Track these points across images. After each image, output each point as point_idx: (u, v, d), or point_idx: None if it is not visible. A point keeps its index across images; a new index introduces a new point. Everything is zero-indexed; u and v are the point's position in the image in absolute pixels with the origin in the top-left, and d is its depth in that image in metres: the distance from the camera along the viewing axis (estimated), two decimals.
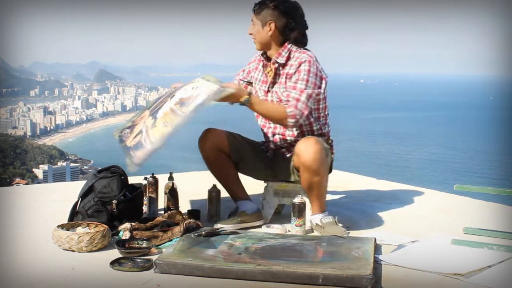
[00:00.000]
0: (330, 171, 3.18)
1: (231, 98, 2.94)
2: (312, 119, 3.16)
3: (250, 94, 2.98)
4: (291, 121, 2.97)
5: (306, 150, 2.93)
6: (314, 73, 3.04)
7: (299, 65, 3.04)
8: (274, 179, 3.30)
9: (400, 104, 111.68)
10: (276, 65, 3.14)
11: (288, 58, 3.11)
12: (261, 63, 3.26)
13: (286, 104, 3.00)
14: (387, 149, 62.33)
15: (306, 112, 2.99)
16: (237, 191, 3.26)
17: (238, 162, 3.25)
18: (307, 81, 3.01)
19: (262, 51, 3.22)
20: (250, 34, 3.17)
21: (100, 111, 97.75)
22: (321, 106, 3.17)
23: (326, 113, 3.22)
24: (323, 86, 3.09)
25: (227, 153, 3.21)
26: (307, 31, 3.18)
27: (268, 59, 3.20)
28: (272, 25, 3.10)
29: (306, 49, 3.15)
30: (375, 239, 2.79)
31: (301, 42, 3.15)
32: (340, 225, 3.05)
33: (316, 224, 3.05)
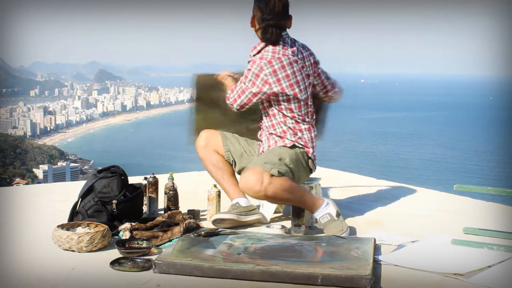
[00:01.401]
0: (314, 169, 3.23)
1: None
2: (273, 122, 3.18)
3: (226, 77, 3.31)
4: (228, 103, 3.25)
5: (246, 182, 2.97)
6: (254, 73, 3.08)
7: (249, 61, 3.16)
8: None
9: (400, 104, 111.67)
10: (250, 58, 3.19)
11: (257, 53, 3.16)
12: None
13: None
14: (387, 149, 62.33)
15: (238, 102, 3.17)
16: (231, 190, 3.29)
17: (233, 162, 3.30)
18: (246, 77, 3.13)
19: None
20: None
21: (100, 111, 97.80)
22: (293, 106, 3.12)
23: (302, 113, 3.15)
24: (264, 89, 3.07)
25: (221, 154, 3.30)
26: (288, 29, 3.17)
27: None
28: (251, 18, 3.16)
29: (276, 47, 3.10)
30: (375, 239, 2.79)
31: (263, 38, 3.12)
32: (340, 219, 3.01)
33: (317, 220, 3.07)
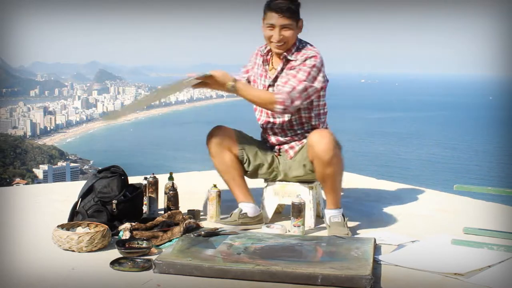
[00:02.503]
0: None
1: (216, 85, 3.00)
2: (312, 114, 3.19)
3: (235, 80, 3.02)
4: (279, 107, 3.00)
5: (319, 141, 2.97)
6: (318, 68, 3.06)
7: (305, 59, 3.07)
8: (278, 179, 3.29)
9: (400, 104, 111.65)
10: (284, 60, 3.14)
11: (297, 54, 3.14)
12: (261, 58, 3.26)
13: (279, 90, 3.04)
14: (386, 149, 62.31)
15: (297, 102, 3.01)
16: (241, 192, 3.24)
17: (247, 160, 3.23)
18: (309, 73, 3.04)
19: (266, 48, 3.22)
20: (280, 39, 3.06)
21: (100, 111, 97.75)
22: (321, 103, 3.21)
23: (325, 110, 3.26)
24: (322, 85, 3.11)
25: (235, 152, 3.21)
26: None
27: (267, 54, 3.22)
28: (300, 23, 3.12)
29: (312, 45, 3.17)
30: (375, 239, 2.79)
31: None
32: (347, 227, 3.03)
33: (325, 222, 3.08)
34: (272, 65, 3.21)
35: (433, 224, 3.31)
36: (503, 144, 61.69)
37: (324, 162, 2.98)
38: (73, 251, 2.65)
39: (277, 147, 3.29)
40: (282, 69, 3.15)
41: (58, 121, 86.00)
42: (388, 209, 3.66)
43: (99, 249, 2.68)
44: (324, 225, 3.13)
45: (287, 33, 3.06)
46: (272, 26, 3.06)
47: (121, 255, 2.59)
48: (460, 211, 3.69)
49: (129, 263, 2.48)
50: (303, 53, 3.10)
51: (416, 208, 3.72)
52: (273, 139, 3.29)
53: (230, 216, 3.19)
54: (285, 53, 3.12)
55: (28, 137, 73.31)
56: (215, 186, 3.32)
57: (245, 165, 3.24)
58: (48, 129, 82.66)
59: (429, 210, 3.67)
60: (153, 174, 3.43)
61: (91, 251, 2.66)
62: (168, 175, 3.43)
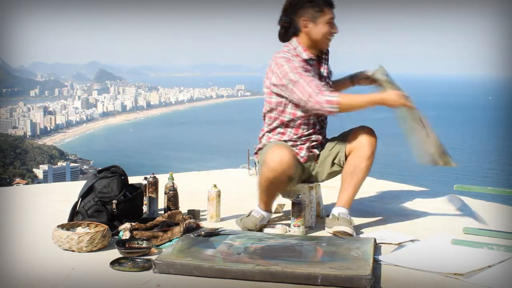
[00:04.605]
0: None
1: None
2: None
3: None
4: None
5: (370, 133, 3.09)
6: None
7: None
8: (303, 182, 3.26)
9: None
10: (318, 55, 3.19)
11: None
12: (297, 59, 3.09)
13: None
14: (387, 149, 62.27)
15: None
16: (270, 203, 3.14)
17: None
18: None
19: (297, 49, 3.15)
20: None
21: (100, 111, 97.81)
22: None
23: None
24: None
25: (291, 177, 3.05)
26: None
27: (308, 60, 3.14)
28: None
29: None
30: (375, 239, 2.79)
31: None
32: (352, 226, 3.01)
33: (333, 214, 3.05)
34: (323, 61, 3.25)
35: (433, 224, 3.31)
36: (503, 144, 61.67)
37: (364, 155, 3.05)
38: (73, 251, 2.65)
39: (305, 152, 3.18)
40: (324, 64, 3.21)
41: (58, 121, 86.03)
42: (388, 209, 3.66)
43: (99, 249, 2.68)
44: (324, 224, 3.12)
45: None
46: (332, 21, 3.10)
47: (121, 255, 2.59)
48: (460, 211, 3.69)
49: (129, 263, 2.48)
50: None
51: (416, 208, 3.72)
52: (303, 146, 3.19)
53: (248, 216, 3.12)
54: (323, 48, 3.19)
55: (28, 137, 73.34)
56: (215, 186, 3.32)
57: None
58: (48, 129, 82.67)
59: (429, 210, 3.67)
60: (153, 174, 3.43)
61: (91, 251, 2.66)
62: (168, 175, 3.43)
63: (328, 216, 3.12)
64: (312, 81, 2.99)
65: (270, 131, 3.20)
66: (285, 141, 3.15)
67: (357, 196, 3.99)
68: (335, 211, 3.07)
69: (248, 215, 3.14)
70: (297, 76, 2.99)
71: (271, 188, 3.04)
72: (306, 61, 3.10)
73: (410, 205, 3.81)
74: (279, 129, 3.17)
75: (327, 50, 3.22)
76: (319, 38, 3.10)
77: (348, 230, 2.92)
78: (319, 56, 3.19)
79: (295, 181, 3.15)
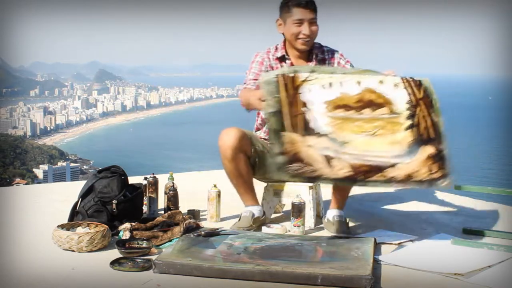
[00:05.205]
0: None
1: None
2: None
3: None
4: None
5: None
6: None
7: (340, 55, 3.20)
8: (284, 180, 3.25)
9: None
10: (307, 57, 3.17)
11: (319, 49, 3.20)
12: (275, 62, 3.17)
13: None
14: None
15: None
16: (251, 196, 3.16)
17: (255, 164, 3.16)
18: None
19: (278, 50, 3.19)
20: (309, 34, 3.07)
21: (100, 111, 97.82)
22: None
23: None
24: None
25: (249, 155, 3.09)
26: None
27: (282, 58, 3.17)
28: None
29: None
30: (375, 239, 2.79)
31: None
32: (347, 228, 3.05)
33: (328, 219, 3.07)
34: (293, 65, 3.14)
35: (433, 224, 3.31)
36: (503, 144, 61.68)
37: None
38: (73, 251, 2.65)
39: None
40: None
41: (58, 121, 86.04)
42: (388, 209, 3.66)
43: (99, 249, 2.68)
44: (322, 225, 3.13)
45: (314, 27, 3.09)
46: (300, 22, 3.04)
47: (121, 255, 2.59)
48: (460, 211, 3.69)
49: (129, 263, 2.48)
50: (327, 49, 3.20)
51: (416, 208, 3.72)
52: None
53: (239, 221, 3.12)
54: (315, 52, 3.16)
55: (28, 137, 73.33)
56: (215, 186, 3.32)
57: (256, 168, 3.17)
58: (48, 129, 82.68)
59: (429, 210, 3.67)
60: (153, 174, 3.43)
61: (91, 251, 2.66)
62: (168, 175, 3.43)
63: (323, 218, 3.14)
64: (248, 80, 3.13)
65: (257, 129, 3.34)
66: (265, 139, 3.22)
67: (357, 196, 4.01)
68: (329, 214, 3.08)
69: (240, 219, 3.13)
70: (247, 76, 3.17)
71: (236, 174, 3.06)
72: (279, 58, 3.17)
73: (410, 205, 3.82)
74: (261, 127, 3.31)
75: (322, 49, 3.20)
76: (289, 38, 3.13)
77: (344, 235, 2.94)
78: (309, 55, 3.18)
79: (262, 159, 3.12)
